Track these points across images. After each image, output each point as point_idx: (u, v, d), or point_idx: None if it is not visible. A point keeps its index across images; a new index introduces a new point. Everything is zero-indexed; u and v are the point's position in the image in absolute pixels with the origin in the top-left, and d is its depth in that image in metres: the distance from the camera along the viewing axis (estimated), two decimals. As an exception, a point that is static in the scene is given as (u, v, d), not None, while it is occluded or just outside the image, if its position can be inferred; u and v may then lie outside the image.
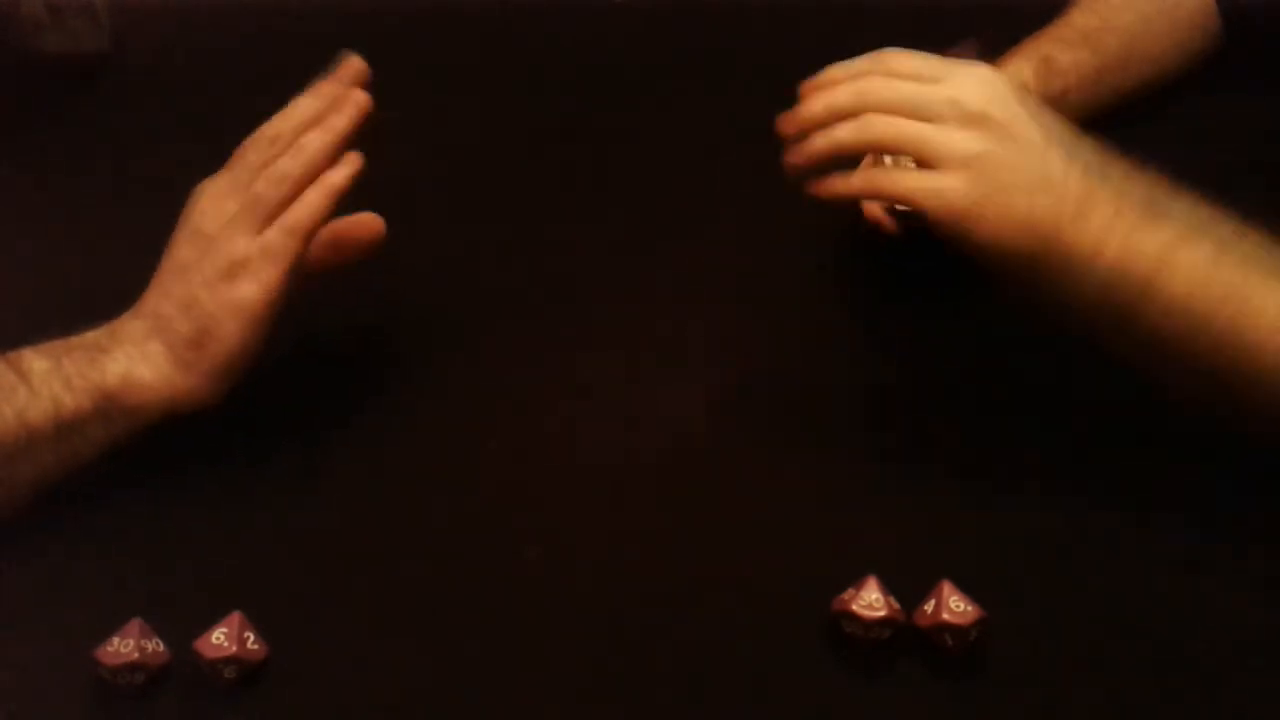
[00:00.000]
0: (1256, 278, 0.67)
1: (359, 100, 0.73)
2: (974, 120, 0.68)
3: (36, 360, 0.70)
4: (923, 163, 0.69)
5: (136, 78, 1.03)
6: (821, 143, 0.71)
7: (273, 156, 0.72)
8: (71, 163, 0.96)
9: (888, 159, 0.81)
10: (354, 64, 0.75)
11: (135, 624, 0.65)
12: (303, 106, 0.74)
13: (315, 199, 0.71)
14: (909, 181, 0.69)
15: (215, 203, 0.72)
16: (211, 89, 1.02)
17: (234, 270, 0.70)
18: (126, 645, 0.64)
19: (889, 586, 0.66)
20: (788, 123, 0.72)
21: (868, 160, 0.81)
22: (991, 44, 0.88)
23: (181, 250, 0.72)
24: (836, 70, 0.72)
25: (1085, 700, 0.65)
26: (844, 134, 0.70)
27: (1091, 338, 0.70)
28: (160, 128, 0.98)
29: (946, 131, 0.68)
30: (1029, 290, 0.70)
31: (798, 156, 0.71)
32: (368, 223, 0.77)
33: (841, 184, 0.71)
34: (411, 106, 1.00)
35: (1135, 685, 0.65)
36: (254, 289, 0.70)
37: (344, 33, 1.07)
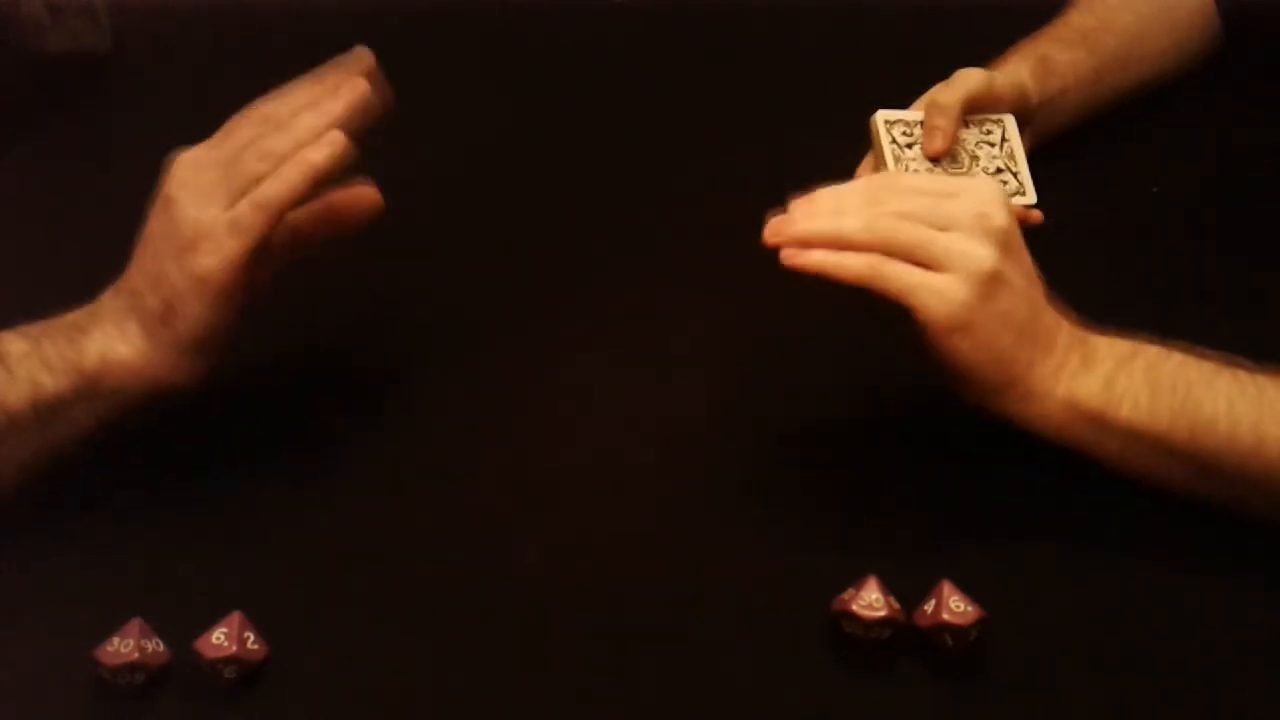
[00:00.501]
0: (1198, 391, 0.67)
1: (357, 87, 0.72)
2: (996, 235, 0.66)
3: (14, 343, 0.69)
4: (928, 265, 0.65)
5: (136, 78, 1.03)
6: (822, 226, 0.66)
7: (261, 135, 0.71)
8: (71, 163, 0.96)
9: (890, 161, 0.81)
10: (361, 55, 0.74)
11: (135, 624, 0.65)
12: (300, 91, 0.73)
13: (291, 174, 0.69)
14: (912, 278, 0.65)
15: (192, 174, 0.70)
16: (211, 89, 1.02)
17: (197, 242, 0.68)
18: (126, 645, 0.64)
19: (889, 586, 0.66)
20: (777, 226, 0.68)
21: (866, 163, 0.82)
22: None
23: (154, 221, 0.71)
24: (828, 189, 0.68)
25: (1085, 700, 0.65)
26: (851, 224, 0.66)
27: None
28: (160, 128, 0.98)
29: (965, 239, 0.65)
30: (981, 409, 0.69)
31: (784, 239, 0.67)
32: (364, 195, 0.75)
33: (833, 260, 0.66)
34: (411, 106, 1.00)
35: (1135, 685, 0.65)
36: (213, 261, 0.68)
37: (344, 32, 1.07)
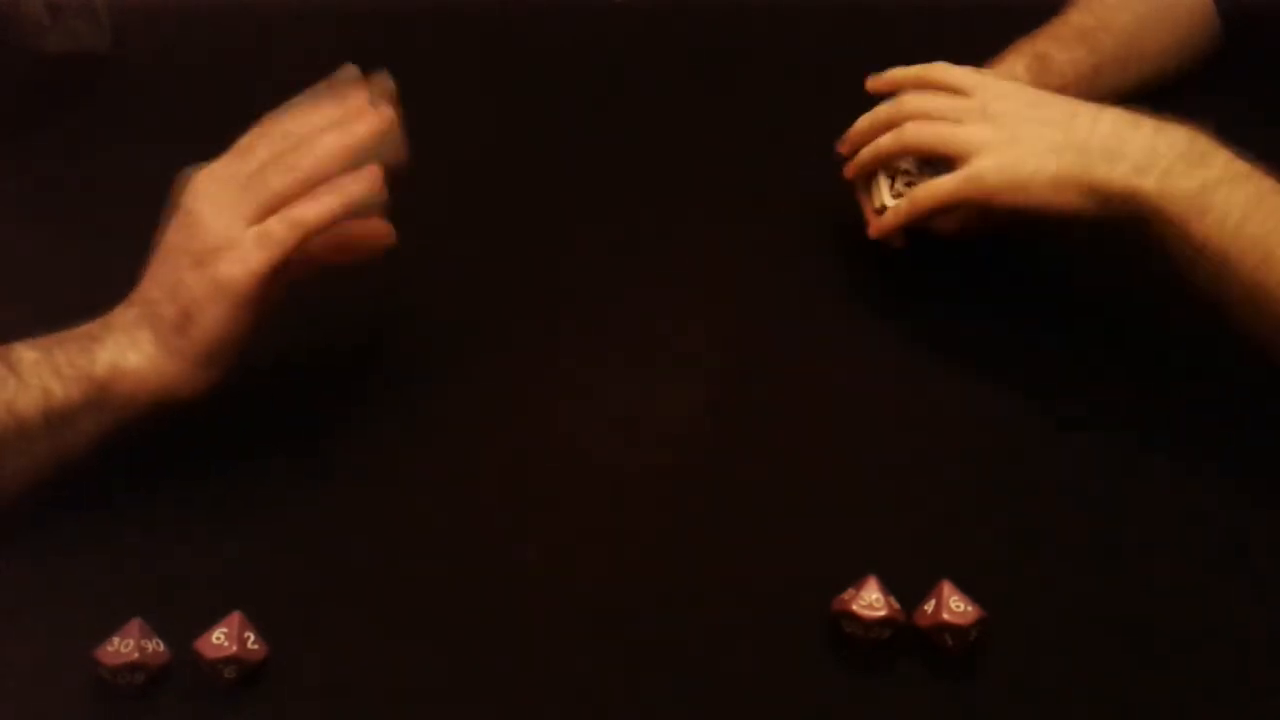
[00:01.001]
0: None
1: (383, 115, 0.73)
2: (995, 116, 0.77)
3: (27, 351, 0.70)
4: (955, 159, 0.76)
5: (136, 78, 1.03)
6: (867, 154, 0.80)
7: (281, 149, 0.71)
8: (71, 163, 0.96)
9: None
10: (384, 81, 0.75)
11: (135, 624, 0.65)
12: (319, 107, 0.73)
13: (331, 202, 0.70)
14: (947, 184, 0.77)
15: (212, 187, 0.71)
16: (211, 89, 1.02)
17: (220, 252, 0.69)
18: (126, 645, 0.64)
19: (889, 586, 0.66)
20: (843, 143, 0.83)
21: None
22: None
23: (172, 233, 0.71)
24: (895, 71, 0.82)
25: (1085, 700, 0.65)
26: (885, 142, 0.79)
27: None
28: (160, 128, 0.98)
29: (971, 127, 0.77)
30: (1094, 233, 0.77)
31: (850, 171, 0.82)
32: (378, 229, 0.76)
33: (891, 219, 0.80)
34: (410, 106, 1.00)
35: (1135, 685, 0.65)
36: (237, 270, 0.69)
37: (343, 33, 1.07)
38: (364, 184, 0.71)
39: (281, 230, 0.70)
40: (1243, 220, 0.70)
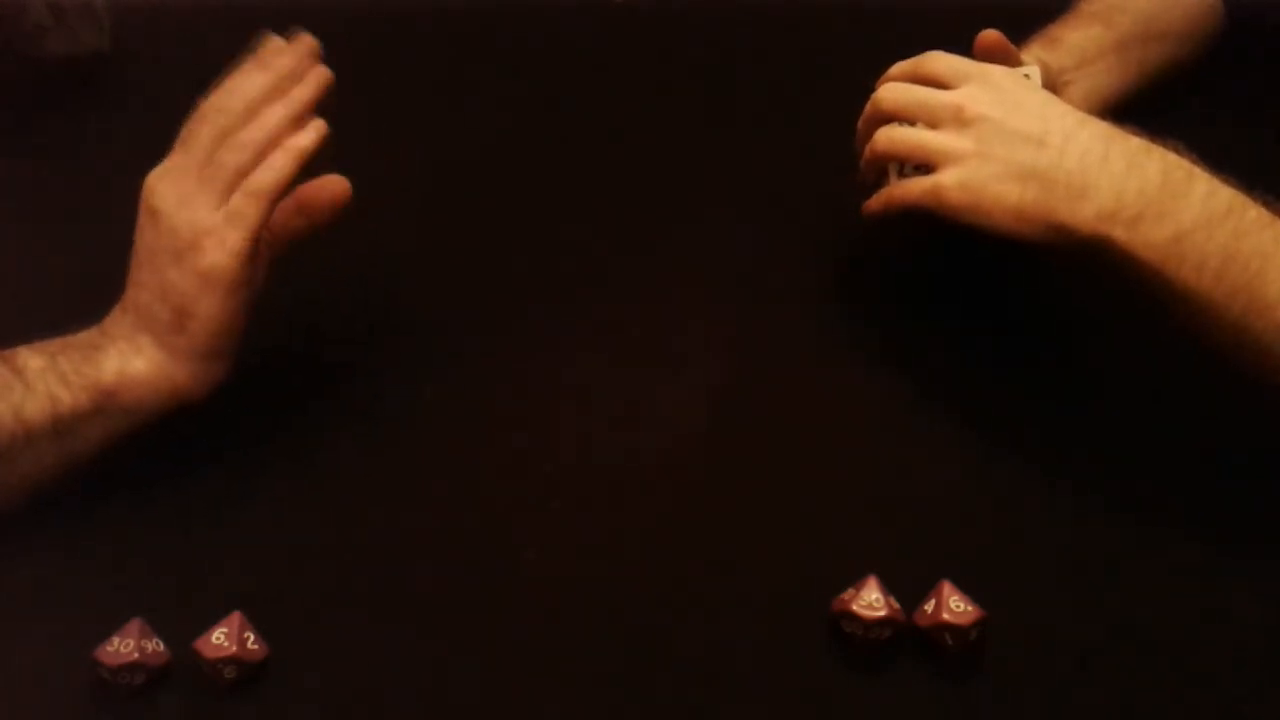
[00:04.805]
0: (1272, 270, 0.67)
1: (321, 74, 0.73)
2: (969, 123, 0.73)
3: (31, 358, 0.70)
4: (928, 164, 0.75)
5: (136, 78, 1.03)
6: (861, 162, 0.80)
7: (225, 129, 0.71)
8: (71, 163, 0.96)
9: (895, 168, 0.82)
10: (307, 41, 0.75)
11: (135, 624, 0.65)
12: (250, 81, 0.73)
13: (281, 162, 0.70)
14: (914, 188, 0.75)
15: (170, 184, 0.71)
16: (211, 89, 1.02)
17: (199, 242, 0.69)
18: (126, 645, 0.64)
19: (889, 586, 0.66)
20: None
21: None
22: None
23: (146, 236, 0.71)
24: (893, 70, 0.80)
25: (1085, 700, 0.65)
26: (867, 152, 0.78)
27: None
28: (160, 128, 0.98)
29: (943, 135, 0.74)
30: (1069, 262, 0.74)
31: (862, 175, 0.81)
32: (332, 185, 0.75)
33: (874, 204, 0.79)
34: (410, 107, 1.00)
35: (1135, 685, 0.65)
36: (220, 256, 0.69)
37: (343, 33, 1.07)
38: (312, 137, 0.71)
39: (246, 204, 0.70)
40: (1223, 266, 0.68)
